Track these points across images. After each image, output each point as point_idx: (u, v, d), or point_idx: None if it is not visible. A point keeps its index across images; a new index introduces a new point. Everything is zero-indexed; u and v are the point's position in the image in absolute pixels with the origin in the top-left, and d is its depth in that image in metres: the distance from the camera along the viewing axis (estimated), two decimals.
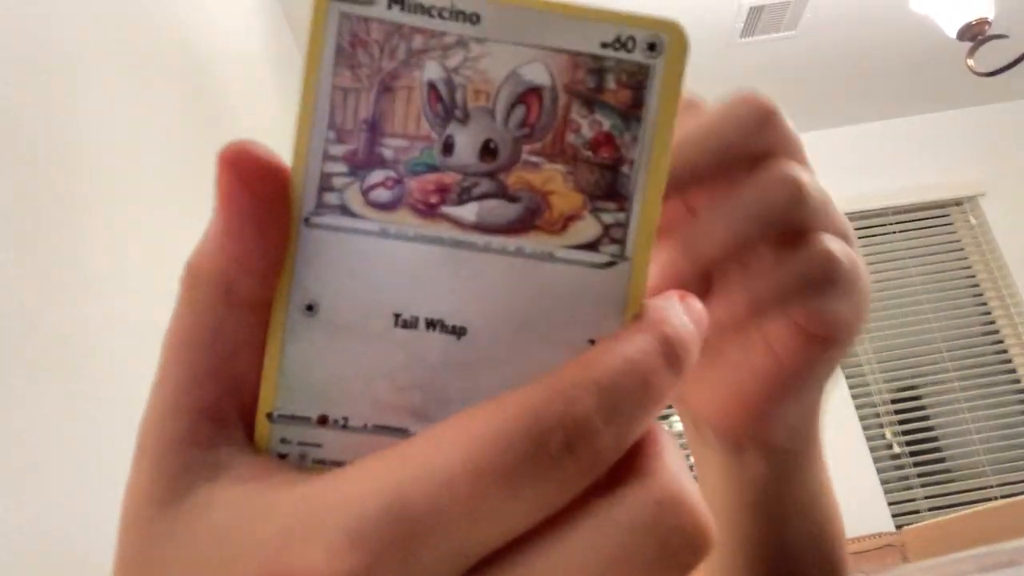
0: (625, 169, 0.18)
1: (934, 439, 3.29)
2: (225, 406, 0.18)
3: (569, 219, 0.18)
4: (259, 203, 0.17)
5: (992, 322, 3.50)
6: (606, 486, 0.16)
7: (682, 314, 0.18)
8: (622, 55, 0.18)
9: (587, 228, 0.18)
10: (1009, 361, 3.43)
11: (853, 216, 3.61)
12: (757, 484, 0.33)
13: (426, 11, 0.18)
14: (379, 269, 0.18)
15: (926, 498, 3.17)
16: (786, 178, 0.26)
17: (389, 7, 0.17)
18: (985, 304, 3.53)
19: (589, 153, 0.18)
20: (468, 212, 0.18)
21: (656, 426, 0.17)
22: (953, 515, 1.02)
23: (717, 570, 0.36)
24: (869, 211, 3.62)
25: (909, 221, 3.64)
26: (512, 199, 0.18)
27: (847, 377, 3.33)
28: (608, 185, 0.18)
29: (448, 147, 0.18)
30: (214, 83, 1.64)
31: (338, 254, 0.18)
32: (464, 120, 0.18)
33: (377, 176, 0.18)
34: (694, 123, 0.27)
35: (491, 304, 0.18)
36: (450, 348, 0.18)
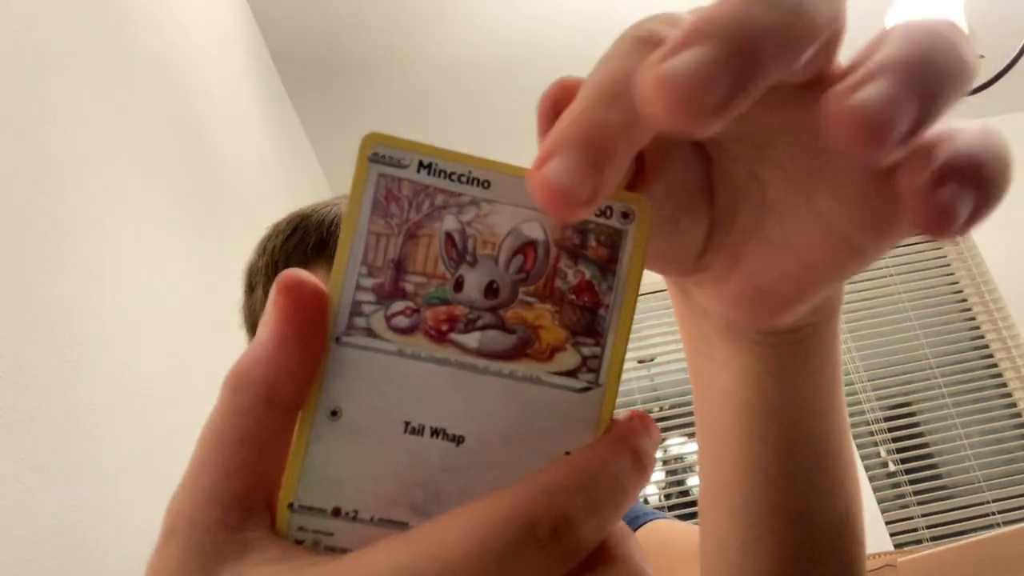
0: (601, 312, 0.22)
1: (930, 456, 3.28)
2: (254, 496, 0.20)
3: (555, 350, 0.22)
4: (305, 323, 0.21)
5: (981, 337, 3.50)
6: (582, 570, 0.18)
7: (646, 430, 0.21)
8: (602, 220, 0.23)
9: (569, 358, 0.22)
10: (1000, 375, 3.43)
11: None
12: (774, 373, 0.31)
13: (448, 176, 0.23)
14: (395, 383, 0.22)
15: (923, 516, 3.15)
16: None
17: (418, 171, 0.22)
18: (974, 319, 3.53)
19: (573, 297, 0.22)
20: (472, 339, 0.22)
21: (621, 521, 0.20)
22: (950, 545, 1.00)
23: (726, 507, 0.35)
24: None
25: None
26: (509, 331, 0.22)
27: None
28: (587, 324, 0.22)
29: (459, 285, 0.22)
30: (200, 118, 1.64)
31: (361, 369, 0.22)
32: (473, 264, 0.22)
33: (398, 306, 0.22)
34: None
35: (486, 417, 0.22)
36: (449, 453, 0.21)
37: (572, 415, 0.22)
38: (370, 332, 0.22)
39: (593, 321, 0.22)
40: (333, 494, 0.21)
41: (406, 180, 0.22)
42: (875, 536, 3.05)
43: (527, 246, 0.23)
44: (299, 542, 0.21)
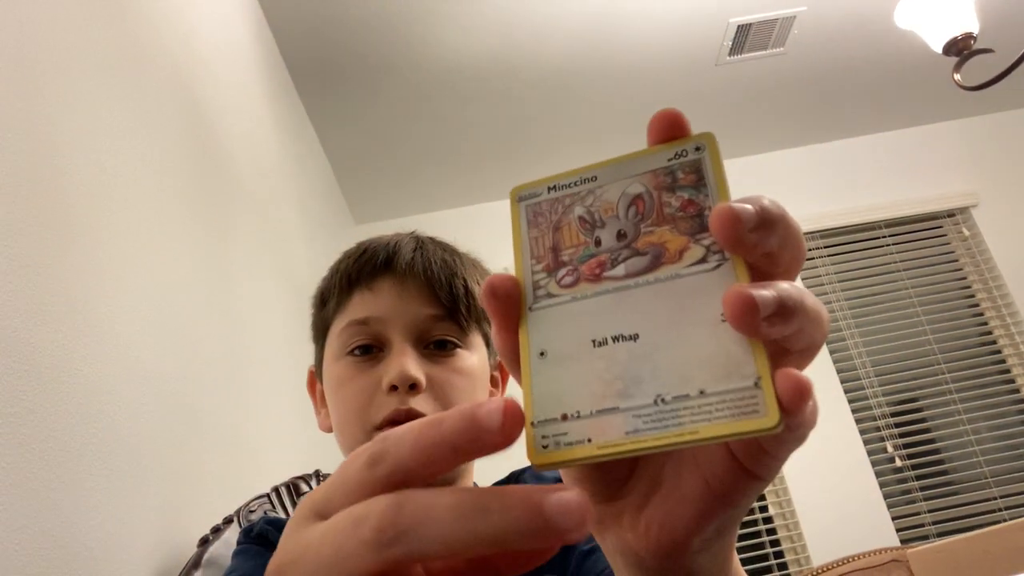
0: (706, 213, 0.29)
1: (936, 451, 3.28)
2: None
3: (682, 251, 0.29)
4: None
5: (989, 332, 3.49)
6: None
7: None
8: (683, 159, 0.31)
9: (696, 252, 0.29)
10: (1008, 371, 3.43)
11: (847, 230, 3.62)
12: None
13: (567, 186, 0.33)
14: (575, 319, 0.30)
15: (930, 511, 3.15)
16: None
17: (548, 192, 0.33)
18: (981, 315, 3.53)
19: (681, 213, 0.30)
20: (619, 270, 0.30)
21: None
22: (959, 537, 1.01)
23: None
24: (863, 224, 3.63)
25: (903, 234, 3.65)
26: (643, 254, 0.30)
27: (847, 391, 3.32)
28: (699, 225, 0.29)
29: (598, 242, 0.31)
30: (211, 118, 1.65)
31: (551, 320, 0.30)
32: (603, 226, 0.31)
33: (562, 272, 0.31)
34: None
35: (649, 315, 0.28)
36: (631, 349, 0.28)
37: (714, 288, 0.28)
38: (549, 295, 0.31)
39: (702, 221, 0.29)
40: (558, 406, 0.28)
41: (543, 200, 0.33)
42: (881, 531, 3.05)
43: (636, 199, 0.31)
44: (544, 447, 0.28)
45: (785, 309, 0.26)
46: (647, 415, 0.27)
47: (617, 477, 0.34)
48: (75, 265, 0.94)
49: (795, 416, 0.26)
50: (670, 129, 0.31)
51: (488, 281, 0.30)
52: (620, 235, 0.30)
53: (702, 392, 0.26)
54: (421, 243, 0.80)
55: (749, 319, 0.25)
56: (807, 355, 0.29)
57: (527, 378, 0.29)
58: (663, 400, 0.27)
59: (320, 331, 0.82)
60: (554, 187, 0.33)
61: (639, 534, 0.33)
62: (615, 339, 0.28)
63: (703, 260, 0.28)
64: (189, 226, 1.39)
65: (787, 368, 0.26)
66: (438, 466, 0.24)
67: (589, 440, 0.27)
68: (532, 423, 0.28)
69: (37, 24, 0.97)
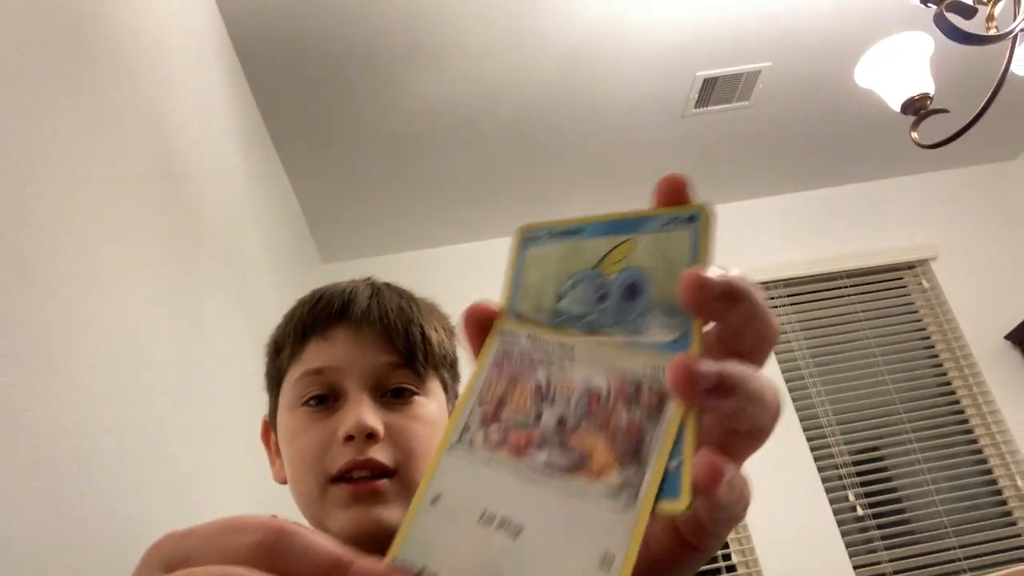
0: (645, 442, 0.27)
1: (897, 500, 3.30)
2: None
3: (602, 471, 0.27)
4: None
5: (948, 383, 3.55)
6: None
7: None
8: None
9: (613, 480, 0.27)
10: (966, 422, 3.48)
11: (808, 280, 3.68)
12: None
13: (544, 347, 0.32)
14: (480, 484, 0.29)
15: (890, 560, 3.16)
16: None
17: (527, 341, 0.32)
18: (940, 365, 3.59)
19: (623, 431, 0.28)
20: (541, 457, 0.29)
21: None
22: None
23: None
24: (824, 275, 3.69)
25: (864, 284, 3.72)
26: (568, 452, 0.28)
27: (809, 439, 3.35)
28: (632, 455, 0.27)
29: (538, 416, 0.30)
30: (179, 156, 1.64)
31: (460, 472, 0.29)
32: (552, 403, 0.30)
33: (494, 428, 0.30)
34: None
35: (542, 520, 0.27)
36: (508, 542, 0.27)
37: (610, 527, 0.26)
38: (471, 444, 0.31)
39: (639, 454, 0.27)
40: (422, 558, 0.28)
41: (517, 347, 0.32)
42: None
43: (592, 394, 0.30)
44: None
45: (725, 386, 0.27)
46: None
47: None
48: (34, 304, 0.92)
49: (709, 497, 0.26)
50: (673, 194, 0.31)
51: (467, 309, 0.32)
52: (560, 421, 0.29)
53: None
54: (377, 290, 0.79)
55: (687, 389, 0.26)
56: (754, 440, 0.29)
57: (411, 515, 0.29)
58: None
59: (274, 380, 0.81)
60: (535, 339, 0.32)
61: None
62: (501, 524, 0.28)
63: (616, 494, 0.27)
64: (153, 264, 1.38)
65: (705, 450, 0.26)
66: None
67: None
68: (394, 559, 0.28)
69: None
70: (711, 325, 0.29)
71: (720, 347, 0.29)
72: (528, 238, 0.34)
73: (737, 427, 0.28)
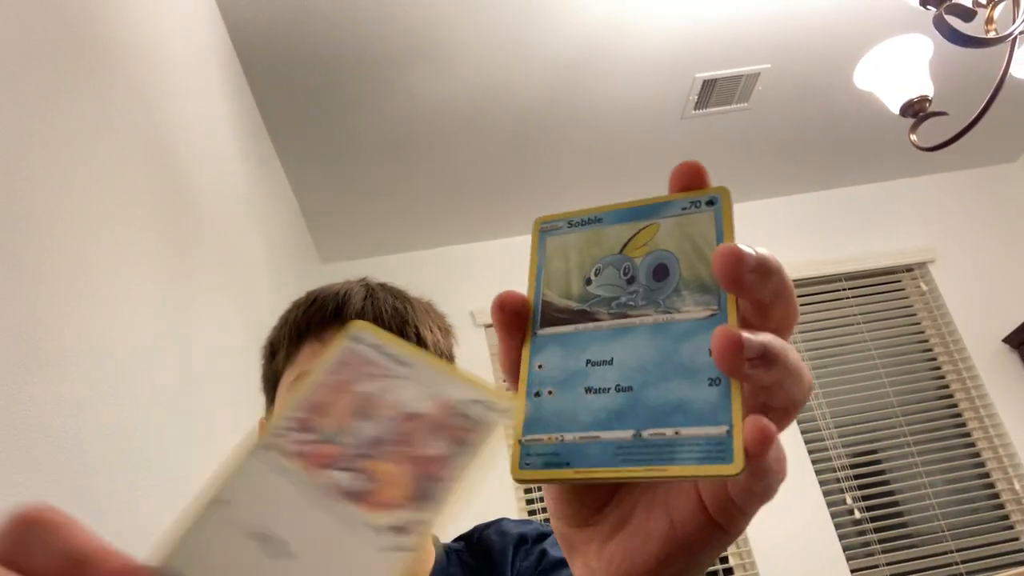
0: (442, 482, 0.26)
1: (895, 504, 3.30)
2: None
3: (385, 505, 0.26)
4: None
5: (946, 386, 3.55)
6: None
7: None
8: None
9: (391, 517, 0.25)
10: (963, 424, 3.48)
11: (807, 282, 3.68)
12: None
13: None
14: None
15: (888, 564, 3.16)
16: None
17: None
18: (938, 368, 3.59)
19: (424, 463, 0.27)
20: (334, 476, 0.27)
21: None
22: None
23: None
24: (823, 277, 3.69)
25: (863, 287, 3.72)
26: (359, 477, 0.27)
27: (807, 442, 3.34)
28: (424, 491, 0.26)
29: (350, 433, 0.28)
30: (178, 155, 1.63)
31: (258, 476, 0.27)
32: (369, 420, 0.28)
33: (302, 436, 0.29)
34: None
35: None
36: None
37: (365, 566, 0.24)
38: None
39: (431, 490, 0.26)
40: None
41: (357, 352, 0.31)
42: None
43: (410, 416, 0.28)
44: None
45: (768, 356, 0.27)
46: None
47: (593, 504, 0.35)
48: (28, 300, 0.91)
49: (758, 461, 0.27)
50: (689, 180, 0.32)
51: (499, 296, 0.32)
52: (371, 442, 0.28)
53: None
54: (371, 291, 0.79)
55: (732, 359, 0.27)
56: (786, 415, 0.29)
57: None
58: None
59: (270, 382, 0.81)
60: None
61: (603, 564, 0.33)
62: (268, 541, 0.25)
63: (385, 532, 0.25)
64: (151, 265, 1.37)
65: (756, 415, 0.27)
66: None
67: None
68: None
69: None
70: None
71: (746, 327, 0.29)
72: (546, 229, 0.35)
73: (771, 402, 0.29)
